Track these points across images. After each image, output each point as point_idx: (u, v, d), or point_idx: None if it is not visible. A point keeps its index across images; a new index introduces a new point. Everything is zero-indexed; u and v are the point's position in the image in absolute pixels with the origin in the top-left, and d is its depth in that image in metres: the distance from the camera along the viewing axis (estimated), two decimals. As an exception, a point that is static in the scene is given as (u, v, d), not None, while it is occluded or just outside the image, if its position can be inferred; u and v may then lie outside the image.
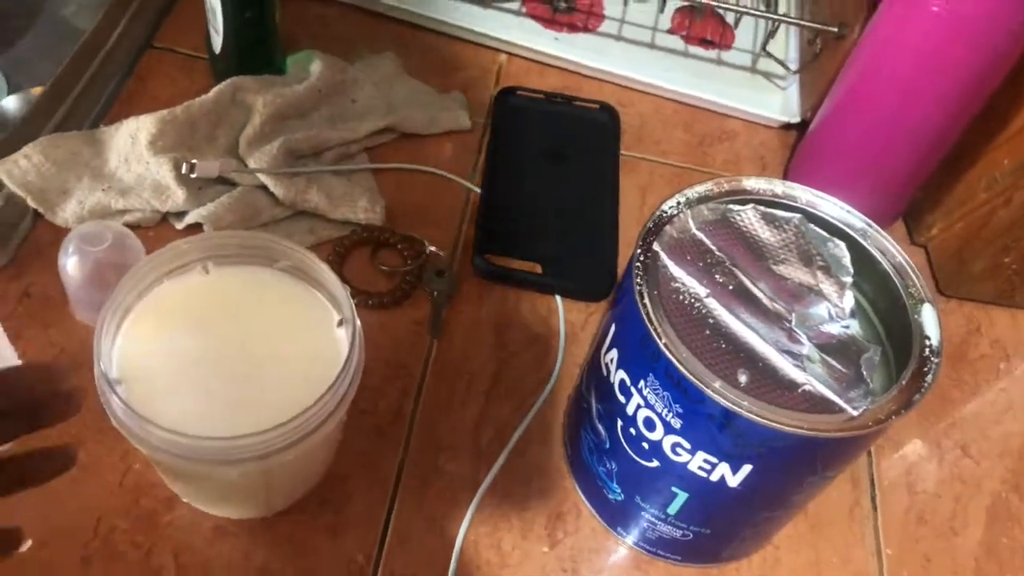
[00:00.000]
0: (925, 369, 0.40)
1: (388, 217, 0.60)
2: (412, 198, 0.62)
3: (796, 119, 0.70)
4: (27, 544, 0.45)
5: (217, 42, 0.59)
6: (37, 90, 0.77)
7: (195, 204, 0.56)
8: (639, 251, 0.42)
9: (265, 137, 0.58)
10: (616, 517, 0.49)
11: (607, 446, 0.46)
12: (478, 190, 0.63)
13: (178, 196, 0.56)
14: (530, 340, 0.57)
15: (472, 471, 0.51)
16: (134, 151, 0.57)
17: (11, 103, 0.76)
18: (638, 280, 0.41)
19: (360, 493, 0.49)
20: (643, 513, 0.46)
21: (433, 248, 0.59)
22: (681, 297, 0.41)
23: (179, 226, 0.57)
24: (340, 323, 0.44)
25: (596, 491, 0.49)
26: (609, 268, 0.60)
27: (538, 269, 0.59)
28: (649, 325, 0.39)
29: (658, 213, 0.44)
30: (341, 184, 0.59)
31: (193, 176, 0.55)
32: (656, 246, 0.42)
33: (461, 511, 0.49)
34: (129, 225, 0.56)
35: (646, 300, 0.40)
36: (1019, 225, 0.59)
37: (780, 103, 0.72)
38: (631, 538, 0.49)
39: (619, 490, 0.47)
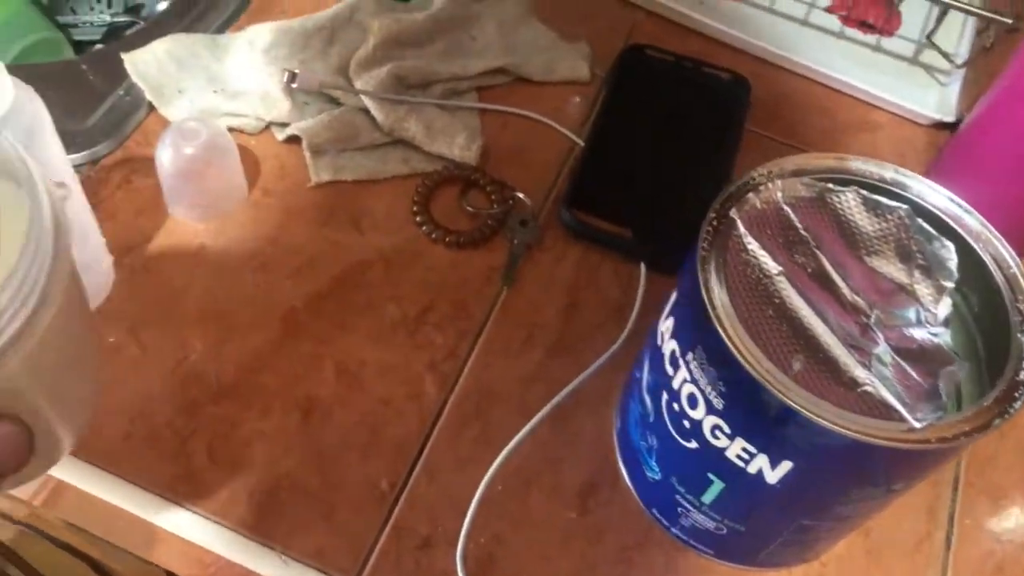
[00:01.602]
0: (1016, 395, 0.34)
1: (485, 159, 0.58)
2: (513, 143, 0.60)
3: (951, 118, 0.63)
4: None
5: (348, -40, 0.60)
6: (193, -3, 0.81)
7: (298, 117, 0.57)
8: (713, 215, 0.39)
9: (376, 61, 0.58)
10: (652, 497, 0.46)
11: (651, 419, 0.43)
12: (580, 142, 0.60)
13: (283, 107, 0.56)
14: (604, 304, 0.54)
15: (514, 422, 0.49)
16: (249, 57, 0.58)
17: (165, 6, 0.80)
18: (704, 245, 0.38)
19: (398, 421, 0.48)
20: (678, 497, 0.43)
21: (522, 195, 0.57)
22: (749, 271, 0.37)
23: (280, 137, 0.57)
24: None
25: (636, 466, 0.46)
26: (705, 244, 0.56)
27: (627, 233, 0.56)
28: (704, 293, 0.36)
29: (745, 179, 0.40)
30: (442, 118, 0.58)
31: (294, 86, 0.55)
32: (733, 212, 0.39)
33: (493, 457, 0.47)
34: (234, 129, 0.57)
35: (708, 266, 0.37)
36: None
37: (937, 99, 0.65)
38: (665, 522, 0.46)
39: (657, 468, 0.44)
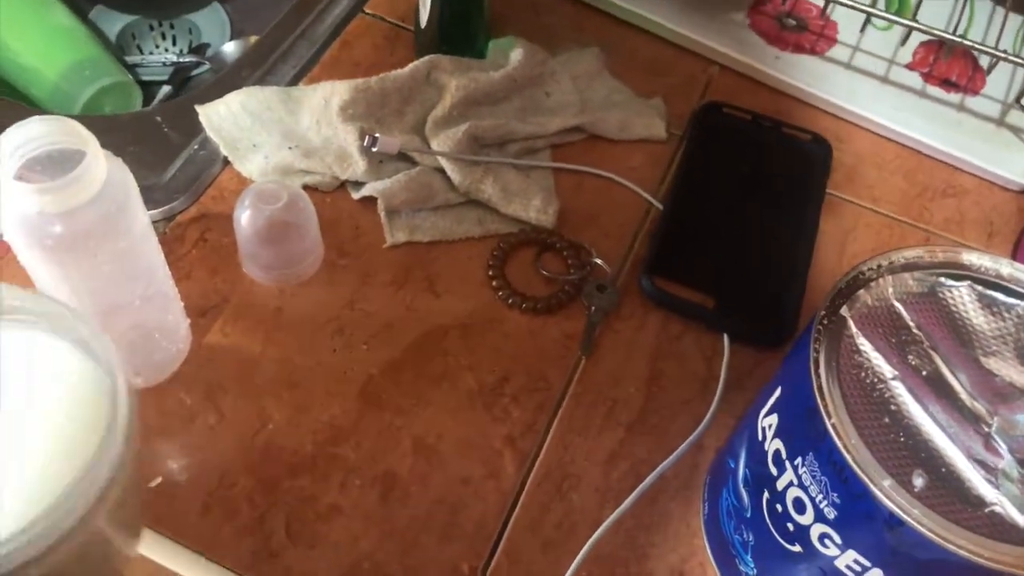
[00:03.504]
0: None
1: (560, 221, 0.57)
2: (589, 204, 0.59)
3: (1040, 185, 0.61)
4: (156, 480, 0.46)
5: (424, 16, 0.59)
6: (256, 38, 0.80)
7: (374, 176, 0.56)
8: (823, 313, 0.37)
9: (453, 120, 0.57)
10: (744, 593, 0.44)
11: (748, 515, 0.42)
12: (660, 206, 0.59)
13: (359, 166, 0.55)
14: (687, 378, 0.52)
15: (597, 505, 0.47)
16: (325, 115, 0.57)
17: (231, 48, 0.80)
18: (815, 346, 0.36)
19: (478, 500, 0.47)
20: (775, 598, 0.42)
21: (599, 260, 0.56)
22: (863, 374, 0.36)
23: (355, 196, 0.57)
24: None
25: (728, 559, 0.45)
26: (790, 316, 0.55)
27: (709, 302, 0.55)
28: (819, 399, 0.35)
29: (854, 273, 0.38)
30: (518, 179, 0.57)
31: (374, 150, 0.54)
32: (844, 311, 0.37)
33: (578, 544, 0.46)
34: (308, 187, 0.56)
35: (821, 370, 0.35)
36: None
37: (1024, 164, 0.63)
38: (757, 618, 0.44)
39: (753, 564, 0.42)
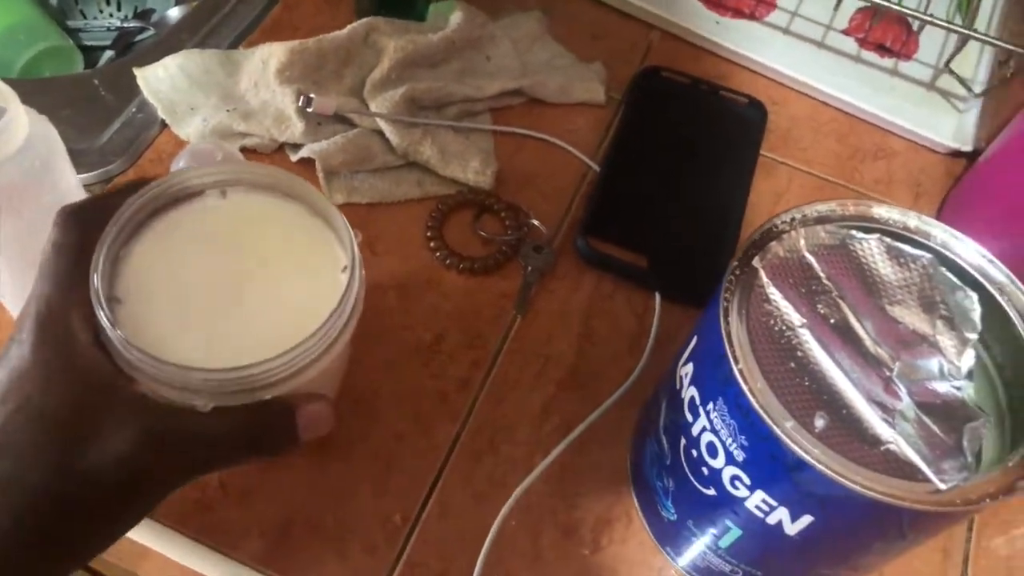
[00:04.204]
0: (1041, 455, 0.34)
1: (498, 182, 0.58)
2: (527, 166, 0.60)
3: (968, 147, 0.63)
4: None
5: (363, -21, 0.59)
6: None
7: (312, 138, 0.56)
8: (736, 264, 0.38)
9: (391, 83, 0.58)
10: (667, 536, 0.46)
11: (668, 462, 0.43)
12: (597, 168, 0.60)
13: (296, 128, 0.56)
14: (618, 335, 0.54)
15: (527, 456, 0.49)
16: (263, 77, 0.57)
17: (175, 13, 0.80)
18: (726, 295, 0.37)
19: (411, 454, 0.48)
20: (694, 539, 0.43)
21: (536, 222, 0.56)
22: (772, 322, 0.37)
23: (293, 158, 0.57)
24: (344, 269, 0.42)
25: (651, 505, 0.46)
26: (721, 275, 0.56)
27: (642, 262, 0.56)
28: (727, 346, 0.36)
29: (767, 226, 0.39)
30: (457, 141, 0.58)
31: (310, 111, 0.55)
32: (756, 262, 0.38)
33: (508, 494, 0.47)
34: (246, 149, 0.56)
35: (731, 318, 0.37)
36: None
37: (954, 127, 0.64)
38: (680, 561, 0.46)
39: (673, 510, 0.44)
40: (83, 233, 0.36)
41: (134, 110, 0.57)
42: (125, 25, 0.78)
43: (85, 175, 0.54)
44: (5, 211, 0.39)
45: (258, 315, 0.41)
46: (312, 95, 0.54)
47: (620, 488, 0.48)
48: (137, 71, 0.57)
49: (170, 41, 0.60)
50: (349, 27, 0.58)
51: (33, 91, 0.57)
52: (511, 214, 0.57)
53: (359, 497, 0.47)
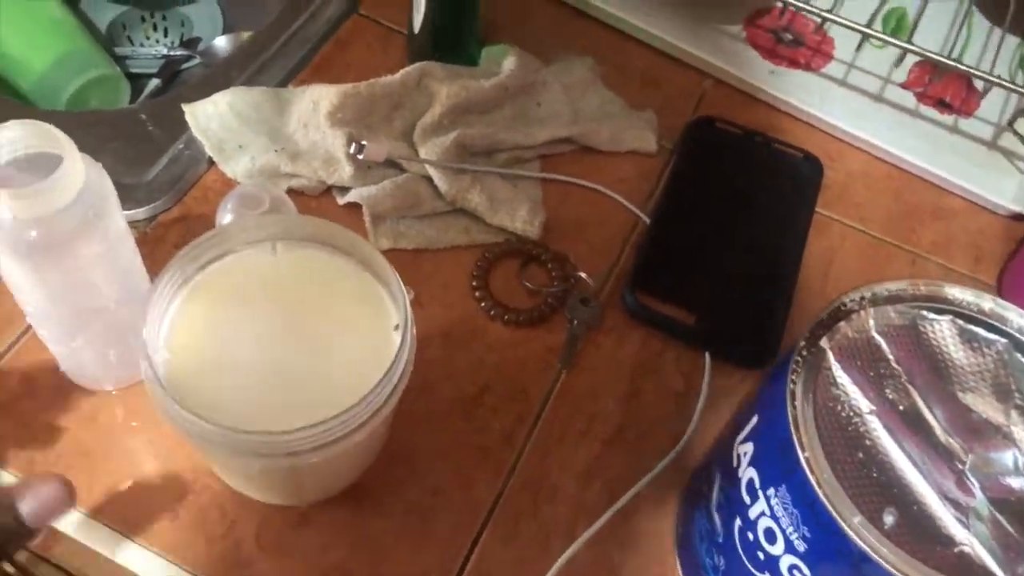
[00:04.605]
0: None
1: (546, 230, 0.57)
2: (575, 215, 0.59)
3: (1030, 211, 0.61)
4: (127, 483, 0.46)
5: (417, 20, 0.58)
6: (248, 35, 0.80)
7: (360, 182, 0.55)
8: (803, 344, 0.37)
9: (442, 128, 0.57)
10: (714, 616, 0.44)
11: (720, 540, 0.41)
12: (647, 220, 0.58)
13: (345, 171, 0.55)
14: (666, 394, 0.52)
15: (570, 520, 0.47)
16: (313, 118, 0.56)
17: (222, 43, 0.79)
18: (793, 378, 0.36)
19: (451, 510, 0.47)
20: (744, 624, 0.42)
21: (583, 274, 0.55)
22: (839, 408, 0.35)
23: (341, 201, 0.56)
24: (396, 327, 0.41)
25: (698, 582, 0.45)
26: (773, 336, 0.54)
27: (691, 320, 0.54)
28: (794, 431, 0.34)
29: (836, 305, 0.38)
30: (505, 189, 0.57)
31: (360, 157, 0.54)
32: (824, 342, 0.37)
33: (550, 559, 0.46)
34: (293, 190, 0.56)
35: (797, 402, 0.35)
36: None
37: (1015, 189, 0.62)
38: (726, 643, 0.44)
39: (723, 591, 0.42)
40: None
41: (181, 146, 0.56)
42: (171, 54, 0.78)
43: (132, 211, 0.53)
44: (57, 259, 0.38)
45: (306, 373, 0.40)
46: (364, 142, 0.53)
47: (666, 560, 0.47)
48: (186, 107, 0.57)
49: (219, 76, 0.60)
50: (402, 72, 0.58)
51: (80, 124, 0.57)
52: (558, 265, 0.56)
53: (397, 554, 0.45)
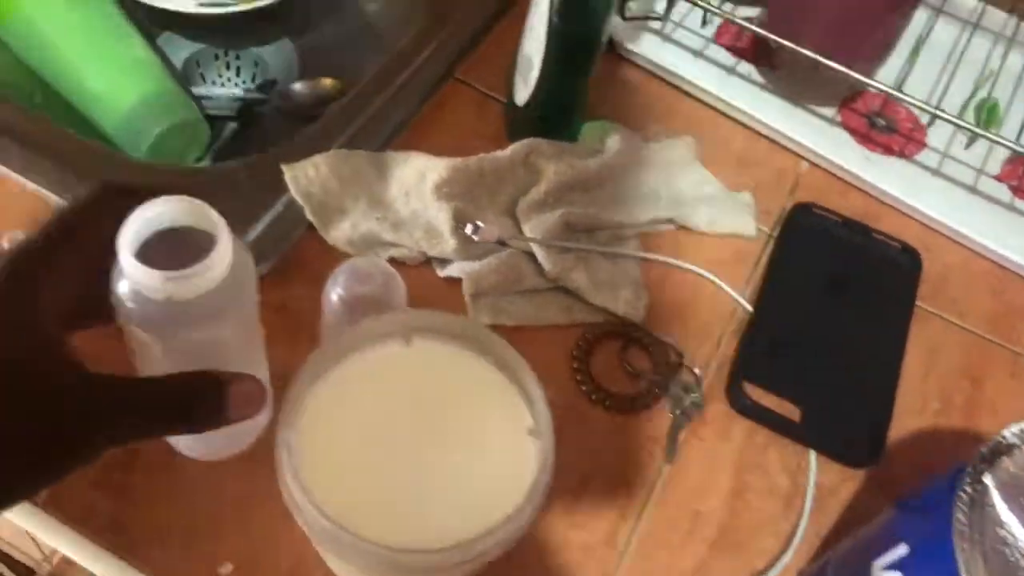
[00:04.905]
0: None
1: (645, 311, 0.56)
2: (674, 296, 0.58)
3: None
4: (227, 568, 0.44)
5: (523, 94, 0.57)
6: (327, 81, 0.79)
7: (463, 255, 0.54)
8: (967, 480, 0.36)
9: (546, 205, 0.56)
10: None
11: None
12: (747, 306, 0.57)
13: (448, 244, 0.54)
14: (771, 492, 0.51)
15: (679, 630, 0.46)
16: (418, 189, 0.55)
17: (300, 87, 0.78)
18: (961, 517, 0.35)
19: (553, 615, 0.45)
20: None
21: (686, 361, 0.54)
22: (1007, 551, 0.34)
23: (441, 273, 0.55)
24: (531, 432, 0.40)
25: None
26: (877, 433, 0.53)
27: (796, 415, 0.53)
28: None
29: (996, 439, 0.37)
30: (607, 269, 0.56)
31: (476, 239, 0.53)
32: (988, 479, 0.36)
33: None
34: (393, 259, 0.55)
35: (966, 545, 0.34)
36: None
37: (1116, 291, 0.62)
38: None
39: None
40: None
41: (281, 208, 0.55)
42: (248, 96, 0.77)
43: (229, 274, 0.52)
44: (193, 336, 0.37)
45: (439, 477, 0.39)
46: (480, 223, 0.52)
47: (780, 675, 0.45)
48: (286, 169, 0.56)
49: (316, 136, 0.58)
50: (511, 149, 0.57)
51: (181, 180, 0.56)
52: (659, 349, 0.54)
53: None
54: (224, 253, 0.35)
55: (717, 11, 0.66)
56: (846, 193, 0.65)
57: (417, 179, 0.56)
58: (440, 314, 0.41)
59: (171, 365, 0.39)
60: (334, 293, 0.49)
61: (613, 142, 0.59)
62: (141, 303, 0.35)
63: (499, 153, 0.56)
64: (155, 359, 0.39)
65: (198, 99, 0.75)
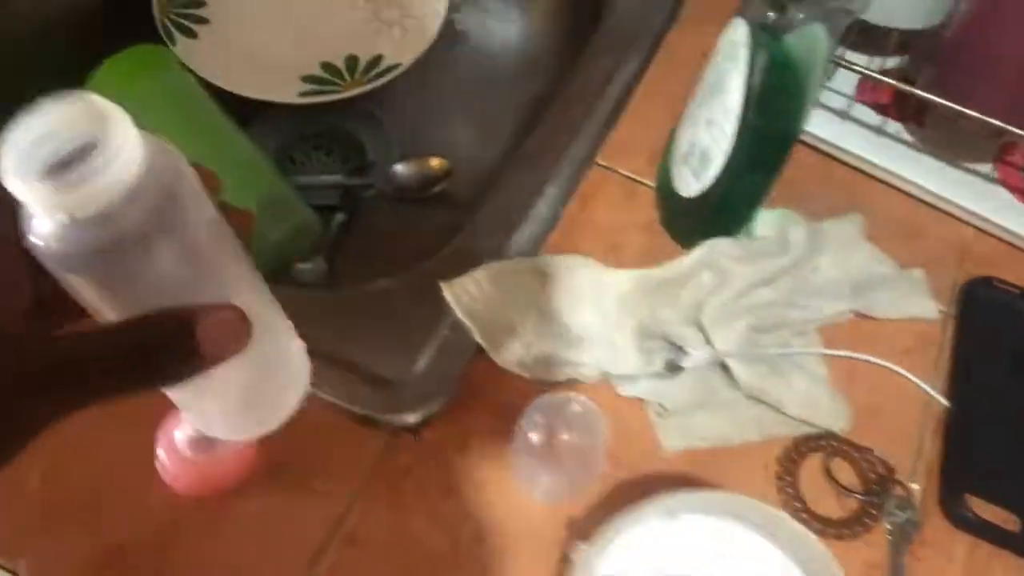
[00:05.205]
0: None
1: (841, 418, 0.52)
2: (864, 394, 0.54)
3: None
4: None
5: (693, 187, 0.53)
6: (435, 161, 0.74)
7: (644, 369, 0.50)
8: None
9: (735, 314, 0.52)
10: None
11: None
12: (942, 400, 0.53)
13: (631, 362, 0.50)
14: (1009, 619, 0.47)
15: None
16: (596, 302, 0.51)
17: (401, 168, 0.74)
18: None
19: None
20: None
21: (897, 474, 0.50)
22: None
23: (623, 391, 0.51)
24: None
25: None
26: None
27: (1016, 525, 0.49)
28: None
29: None
30: (802, 379, 0.52)
31: (687, 366, 0.49)
32: None
33: None
34: (569, 379, 0.50)
35: None
36: None
37: None
38: None
39: None
40: None
41: (447, 332, 0.51)
42: (350, 182, 0.73)
43: (399, 416, 0.48)
44: (128, 269, 0.30)
45: None
46: (690, 351, 0.48)
47: None
48: (445, 287, 0.51)
49: (466, 245, 0.54)
50: (694, 257, 0.52)
51: (325, 307, 0.52)
52: (866, 461, 0.51)
53: None
54: (119, 145, 0.26)
55: (865, 71, 0.61)
56: (1017, 259, 0.61)
57: (593, 291, 0.51)
58: (729, 497, 0.39)
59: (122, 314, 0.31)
60: (532, 432, 0.45)
61: (798, 235, 0.54)
62: (52, 238, 0.28)
63: (682, 262, 0.52)
64: (104, 314, 0.31)
65: (302, 191, 0.70)
